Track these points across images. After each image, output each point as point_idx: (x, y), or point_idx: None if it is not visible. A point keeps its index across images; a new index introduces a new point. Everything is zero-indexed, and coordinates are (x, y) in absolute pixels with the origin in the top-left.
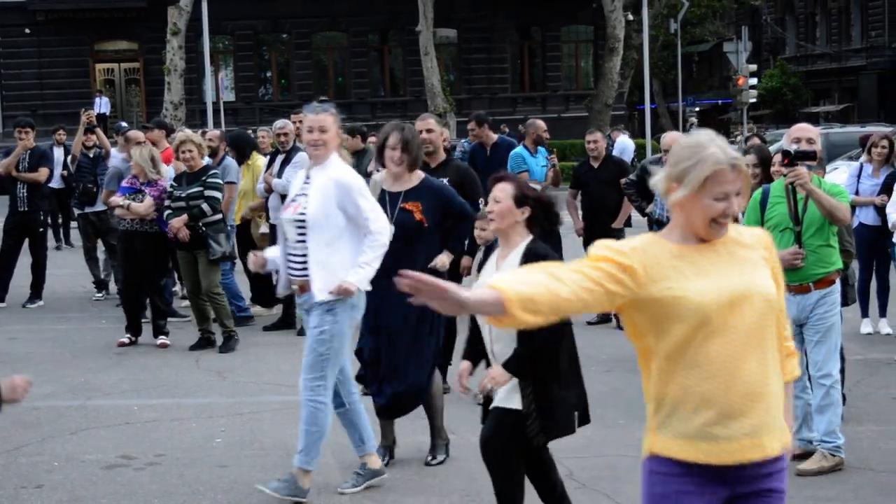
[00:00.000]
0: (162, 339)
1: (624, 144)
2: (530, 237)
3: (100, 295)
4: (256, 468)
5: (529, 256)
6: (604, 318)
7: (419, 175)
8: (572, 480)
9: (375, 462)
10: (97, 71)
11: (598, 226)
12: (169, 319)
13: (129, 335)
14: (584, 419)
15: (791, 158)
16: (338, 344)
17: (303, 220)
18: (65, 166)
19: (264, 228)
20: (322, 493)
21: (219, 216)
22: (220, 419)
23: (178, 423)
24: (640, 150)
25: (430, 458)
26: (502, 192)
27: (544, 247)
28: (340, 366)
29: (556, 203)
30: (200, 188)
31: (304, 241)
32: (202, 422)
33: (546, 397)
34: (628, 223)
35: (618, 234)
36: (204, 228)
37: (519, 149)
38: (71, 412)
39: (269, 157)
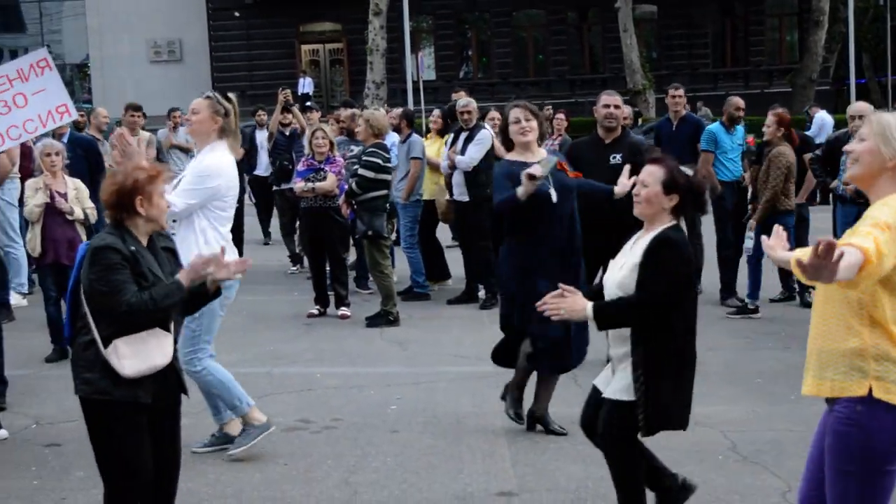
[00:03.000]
0: (343, 311)
1: (823, 120)
2: (670, 223)
3: (294, 269)
4: (427, 434)
5: (658, 241)
6: (787, 296)
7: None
8: (734, 453)
9: (234, 427)
10: (303, 52)
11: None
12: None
13: (318, 307)
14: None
15: None
16: (208, 321)
17: None
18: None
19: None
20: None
21: (370, 194)
22: (396, 387)
23: (357, 390)
24: (843, 126)
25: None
26: (651, 177)
27: (677, 234)
28: (213, 335)
29: (706, 190)
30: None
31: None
32: (379, 390)
33: (657, 390)
34: (812, 199)
35: (801, 210)
36: (355, 206)
37: (714, 125)
38: (258, 378)
39: (453, 134)
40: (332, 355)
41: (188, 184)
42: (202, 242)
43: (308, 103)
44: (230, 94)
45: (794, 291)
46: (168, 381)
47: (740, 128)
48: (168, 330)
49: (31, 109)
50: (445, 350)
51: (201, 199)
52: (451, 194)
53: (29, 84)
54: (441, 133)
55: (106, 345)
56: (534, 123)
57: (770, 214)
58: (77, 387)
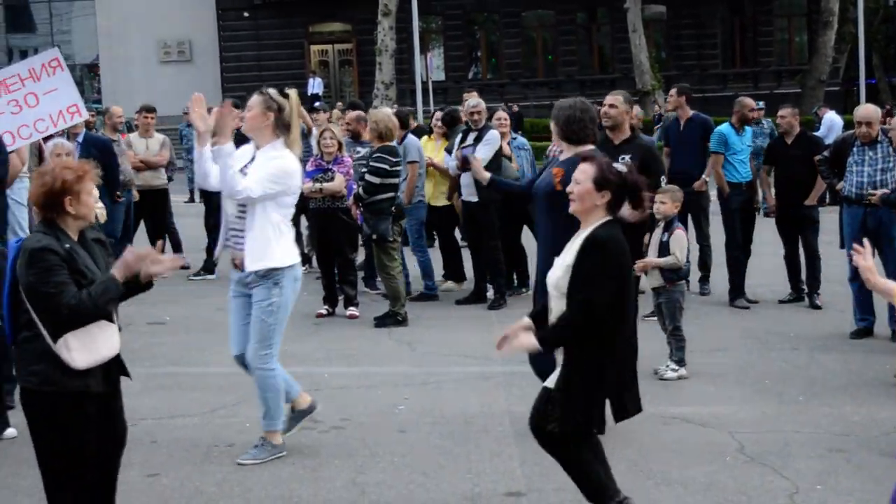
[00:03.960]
0: (351, 311)
1: (832, 121)
2: (603, 219)
3: (303, 269)
4: (435, 434)
5: (587, 243)
6: (796, 298)
7: (580, 149)
8: (742, 455)
9: (278, 437)
10: (312, 52)
11: (791, 203)
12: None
13: (326, 307)
14: (622, 414)
15: None
16: (283, 315)
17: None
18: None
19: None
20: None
21: (376, 197)
22: (405, 388)
23: (365, 390)
24: (851, 127)
25: None
26: (583, 174)
27: (607, 232)
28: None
29: (642, 187)
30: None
31: (242, 217)
32: (388, 390)
33: (574, 386)
34: (822, 201)
35: (811, 212)
36: (362, 208)
37: (723, 126)
38: None
39: (461, 133)
40: (341, 355)
41: (268, 176)
42: (278, 234)
43: (317, 104)
44: (288, 90)
45: (803, 293)
46: (111, 366)
47: (749, 129)
48: (112, 321)
49: (43, 109)
50: (453, 350)
51: (277, 191)
52: (461, 194)
53: (40, 84)
54: (446, 136)
55: (55, 339)
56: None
57: None
58: (24, 378)
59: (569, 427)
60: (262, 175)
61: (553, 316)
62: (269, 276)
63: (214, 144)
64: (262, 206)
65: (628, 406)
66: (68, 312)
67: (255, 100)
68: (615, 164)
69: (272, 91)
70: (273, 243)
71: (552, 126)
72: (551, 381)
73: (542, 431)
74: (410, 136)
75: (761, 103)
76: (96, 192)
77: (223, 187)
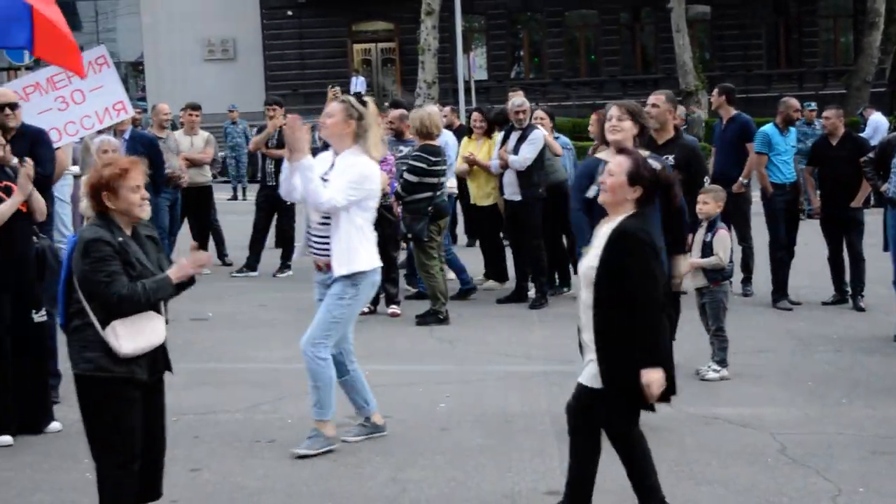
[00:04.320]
0: (392, 309)
1: (877, 122)
2: (630, 212)
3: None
4: (476, 432)
5: (618, 233)
6: (840, 299)
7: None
8: (784, 456)
9: (379, 419)
10: (355, 51)
11: (836, 205)
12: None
13: (368, 305)
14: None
15: None
16: (351, 313)
17: None
18: None
19: None
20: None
21: (413, 196)
22: (446, 385)
23: (407, 387)
24: None
25: None
26: (618, 167)
27: (634, 223)
28: (344, 333)
29: (673, 185)
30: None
31: (327, 224)
32: (429, 387)
33: (619, 375)
34: (867, 203)
35: (856, 214)
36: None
37: (767, 127)
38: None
39: (504, 133)
40: (382, 353)
41: (349, 183)
42: (362, 238)
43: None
44: (367, 99)
45: (847, 295)
46: (157, 358)
47: (794, 130)
48: (159, 312)
49: (89, 106)
50: (494, 349)
51: (360, 197)
52: (503, 193)
53: (87, 81)
54: (487, 134)
55: (104, 327)
56: (626, 124)
57: None
58: (77, 365)
59: (618, 427)
60: (344, 183)
61: (581, 306)
62: (352, 277)
63: (291, 160)
64: (346, 212)
65: (672, 386)
66: (118, 301)
67: (336, 107)
68: (650, 161)
69: (352, 99)
70: (359, 247)
71: (628, 124)
72: (586, 378)
73: (583, 427)
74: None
75: (813, 104)
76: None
77: (307, 200)
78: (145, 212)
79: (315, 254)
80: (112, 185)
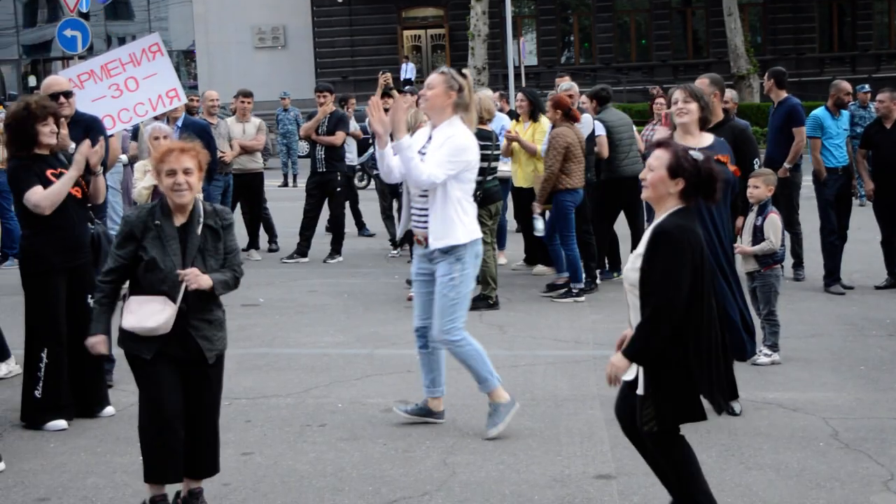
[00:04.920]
0: None
1: None
2: (676, 207)
3: (395, 252)
4: (525, 416)
5: (655, 236)
6: (893, 283)
7: (710, 136)
8: (836, 440)
9: (438, 405)
10: (405, 37)
11: (889, 188)
12: None
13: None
14: (724, 398)
15: None
16: (465, 289)
17: None
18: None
19: None
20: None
21: None
22: (496, 370)
23: (456, 372)
24: None
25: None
26: (657, 161)
27: (675, 222)
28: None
29: (718, 177)
30: None
31: (425, 196)
32: None
33: (663, 384)
34: None
35: None
36: None
37: (819, 110)
38: (359, 359)
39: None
40: None
41: (446, 157)
42: (461, 211)
43: (407, 88)
44: (465, 70)
45: None
46: (182, 343)
47: (846, 113)
48: (174, 301)
49: (143, 93)
50: (543, 333)
51: (458, 170)
52: None
53: (141, 68)
54: (533, 117)
55: (125, 298)
56: (692, 106)
57: (551, 194)
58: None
59: (664, 427)
60: (441, 157)
61: (630, 309)
62: (452, 252)
63: (391, 141)
64: (443, 185)
65: (721, 399)
66: (99, 276)
67: (436, 79)
68: (692, 152)
69: (452, 70)
70: (456, 221)
71: (693, 106)
72: (631, 375)
73: (633, 429)
74: None
75: (867, 87)
76: (195, 174)
77: (408, 179)
78: (180, 197)
79: (415, 226)
80: (157, 168)
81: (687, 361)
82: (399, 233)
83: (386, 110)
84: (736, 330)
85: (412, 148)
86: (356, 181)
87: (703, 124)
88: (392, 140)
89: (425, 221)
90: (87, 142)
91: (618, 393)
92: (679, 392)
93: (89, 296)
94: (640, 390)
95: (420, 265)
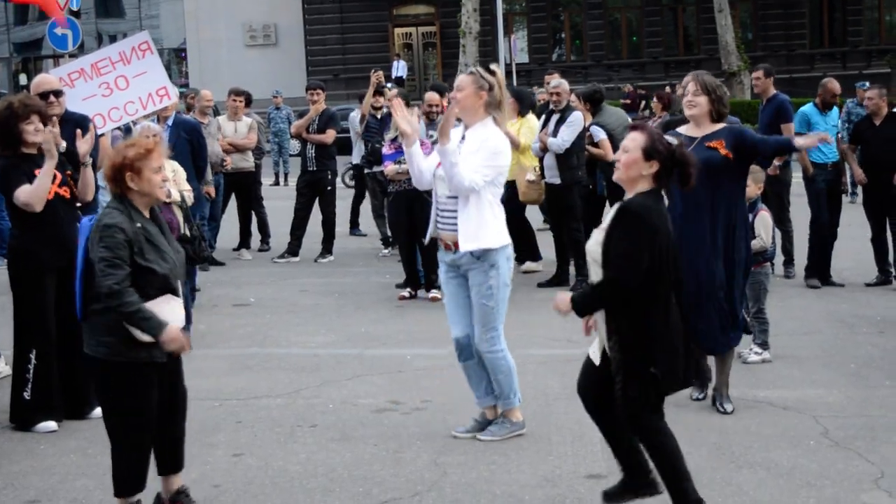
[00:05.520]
0: (434, 293)
1: None
2: (646, 189)
3: (386, 251)
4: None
5: (620, 212)
6: (883, 280)
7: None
8: (826, 439)
9: (491, 413)
10: (396, 35)
11: (879, 184)
12: None
13: (408, 289)
14: (682, 383)
15: None
16: (503, 295)
17: None
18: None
19: (531, 176)
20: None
21: None
22: None
23: (447, 371)
24: None
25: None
26: (632, 143)
27: (642, 201)
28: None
29: (691, 162)
30: None
31: (454, 198)
32: None
33: (627, 365)
34: None
35: None
36: None
37: (807, 107)
38: (349, 359)
39: (544, 116)
40: (423, 337)
41: (483, 162)
42: (492, 215)
43: (389, 85)
44: (493, 67)
45: (891, 276)
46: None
47: (836, 109)
48: (178, 295)
49: (133, 92)
50: (535, 332)
51: (494, 175)
52: (544, 177)
53: (131, 67)
54: (521, 113)
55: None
56: (701, 99)
57: None
58: (93, 348)
59: (633, 408)
60: (478, 162)
61: (593, 280)
62: (484, 257)
63: (440, 144)
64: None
65: (684, 376)
66: (107, 292)
67: (465, 80)
68: (667, 136)
69: (481, 69)
70: (487, 224)
71: (703, 99)
72: (595, 356)
73: (596, 403)
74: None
75: (866, 84)
76: (179, 172)
77: (449, 184)
78: (165, 193)
79: (441, 229)
80: (136, 166)
81: (649, 336)
82: (428, 236)
83: (378, 108)
84: (710, 319)
85: (456, 153)
86: (347, 179)
87: (717, 117)
88: (437, 143)
89: (454, 224)
90: (54, 129)
91: (581, 369)
92: (642, 374)
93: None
94: (594, 357)
95: (448, 271)
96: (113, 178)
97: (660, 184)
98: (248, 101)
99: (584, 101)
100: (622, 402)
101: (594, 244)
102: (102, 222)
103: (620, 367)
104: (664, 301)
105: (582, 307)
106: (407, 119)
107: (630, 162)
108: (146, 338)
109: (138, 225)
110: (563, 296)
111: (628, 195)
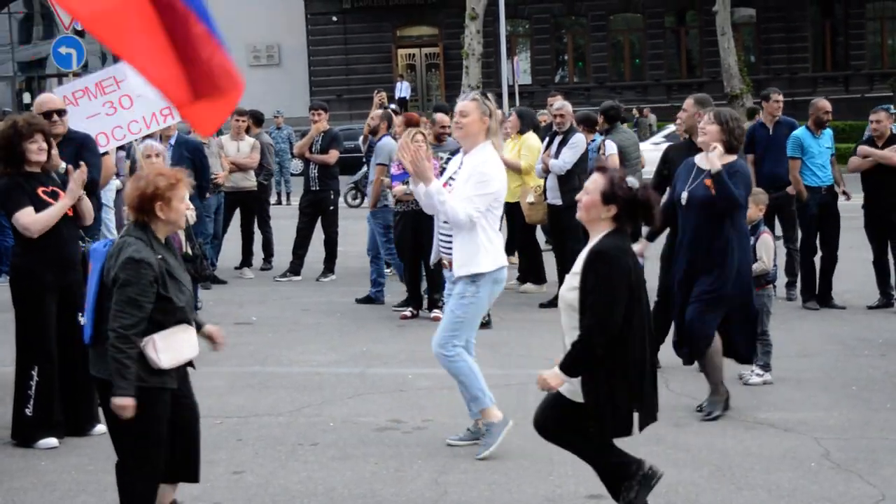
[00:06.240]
0: (436, 313)
1: None
2: (609, 230)
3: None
4: (517, 435)
5: (592, 256)
6: (885, 303)
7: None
8: (827, 461)
9: (495, 412)
10: (399, 56)
11: (881, 208)
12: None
13: (410, 309)
14: (648, 419)
15: None
16: (474, 311)
17: None
18: None
19: (530, 198)
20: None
21: None
22: (488, 389)
23: (448, 391)
24: None
25: (706, 412)
26: (593, 185)
27: (609, 242)
28: (473, 332)
29: (652, 203)
30: None
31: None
32: None
33: (606, 397)
34: None
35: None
36: None
37: (799, 130)
38: (351, 378)
39: (547, 138)
40: (425, 356)
41: (475, 191)
42: (485, 239)
43: (392, 106)
44: (489, 94)
45: (892, 299)
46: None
47: (828, 131)
48: (191, 323)
49: (136, 111)
50: (536, 352)
51: (486, 204)
52: (546, 198)
53: (135, 85)
54: (520, 131)
55: (142, 338)
56: (712, 128)
57: None
58: (106, 372)
59: (608, 438)
60: (469, 192)
61: (564, 327)
62: (475, 278)
63: (424, 185)
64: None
65: (651, 412)
66: (117, 333)
67: (470, 106)
68: (629, 179)
69: (479, 95)
70: (480, 249)
71: (715, 128)
72: (566, 391)
73: (553, 433)
74: (385, 139)
75: (892, 107)
76: (188, 199)
77: (448, 221)
78: (191, 217)
79: (443, 252)
80: (166, 196)
81: (621, 378)
82: (433, 258)
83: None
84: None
85: (443, 192)
86: (350, 199)
87: (728, 149)
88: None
89: (450, 248)
90: (82, 169)
91: (543, 401)
92: (614, 407)
93: (79, 314)
94: (564, 391)
95: (450, 287)
96: (140, 207)
97: (621, 225)
98: (260, 121)
99: (600, 115)
100: (601, 438)
101: (568, 290)
102: (130, 255)
103: (596, 408)
104: (638, 338)
105: (573, 369)
106: (412, 162)
107: (590, 204)
108: (163, 365)
109: (159, 256)
110: (550, 372)
111: (592, 237)
